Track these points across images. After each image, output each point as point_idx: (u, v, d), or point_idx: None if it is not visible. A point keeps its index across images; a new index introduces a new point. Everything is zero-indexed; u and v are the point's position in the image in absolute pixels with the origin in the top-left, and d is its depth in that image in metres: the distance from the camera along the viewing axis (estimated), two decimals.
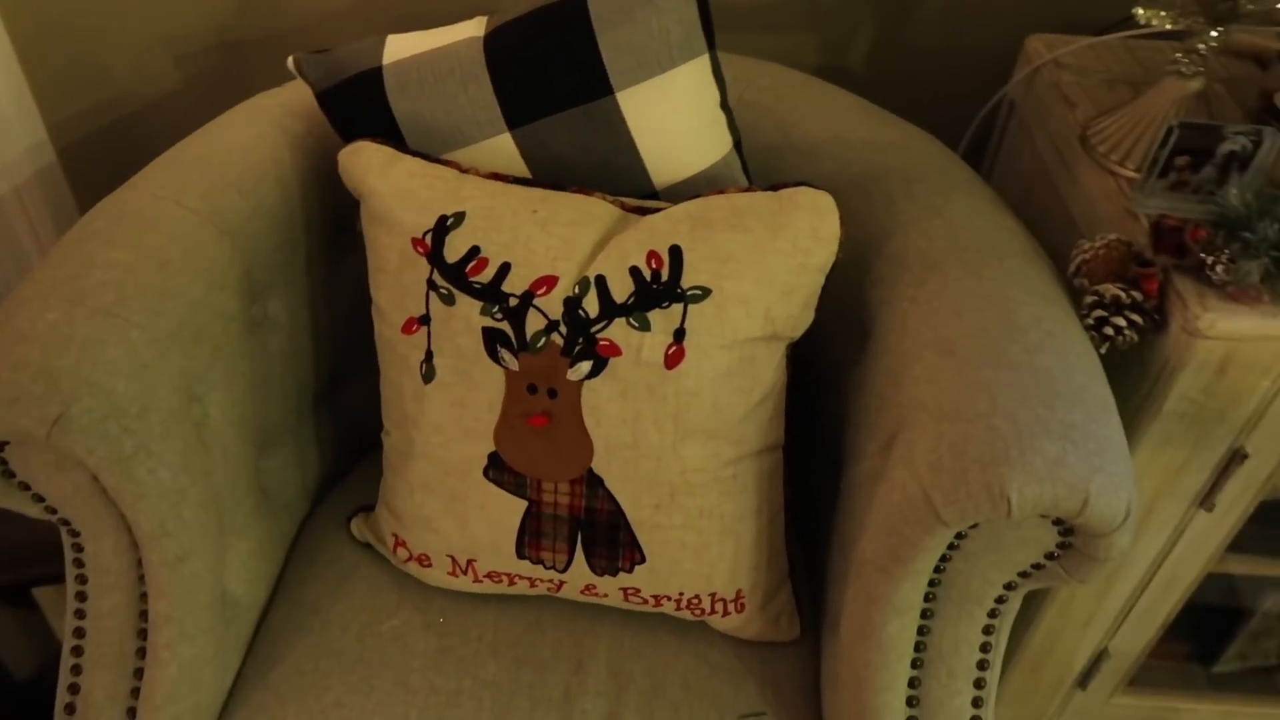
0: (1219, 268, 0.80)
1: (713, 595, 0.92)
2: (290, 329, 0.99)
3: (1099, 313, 0.84)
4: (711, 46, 0.91)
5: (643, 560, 0.89)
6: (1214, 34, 0.86)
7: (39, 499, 0.81)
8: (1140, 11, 0.81)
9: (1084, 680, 1.16)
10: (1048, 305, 0.83)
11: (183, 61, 1.27)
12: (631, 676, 0.92)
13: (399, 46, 0.93)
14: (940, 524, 0.74)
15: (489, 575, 0.94)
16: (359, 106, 0.92)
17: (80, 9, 1.17)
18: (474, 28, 0.92)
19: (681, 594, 0.92)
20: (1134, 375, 0.88)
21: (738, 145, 0.96)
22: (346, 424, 1.12)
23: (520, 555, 0.91)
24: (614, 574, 0.91)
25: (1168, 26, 0.82)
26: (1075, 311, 0.85)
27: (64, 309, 0.78)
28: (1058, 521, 0.75)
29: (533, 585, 0.94)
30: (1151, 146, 0.87)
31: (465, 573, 0.95)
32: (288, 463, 1.03)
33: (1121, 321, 0.83)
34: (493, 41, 0.90)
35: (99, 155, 1.23)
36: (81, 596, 0.86)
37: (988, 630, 0.84)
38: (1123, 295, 0.83)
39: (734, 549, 0.90)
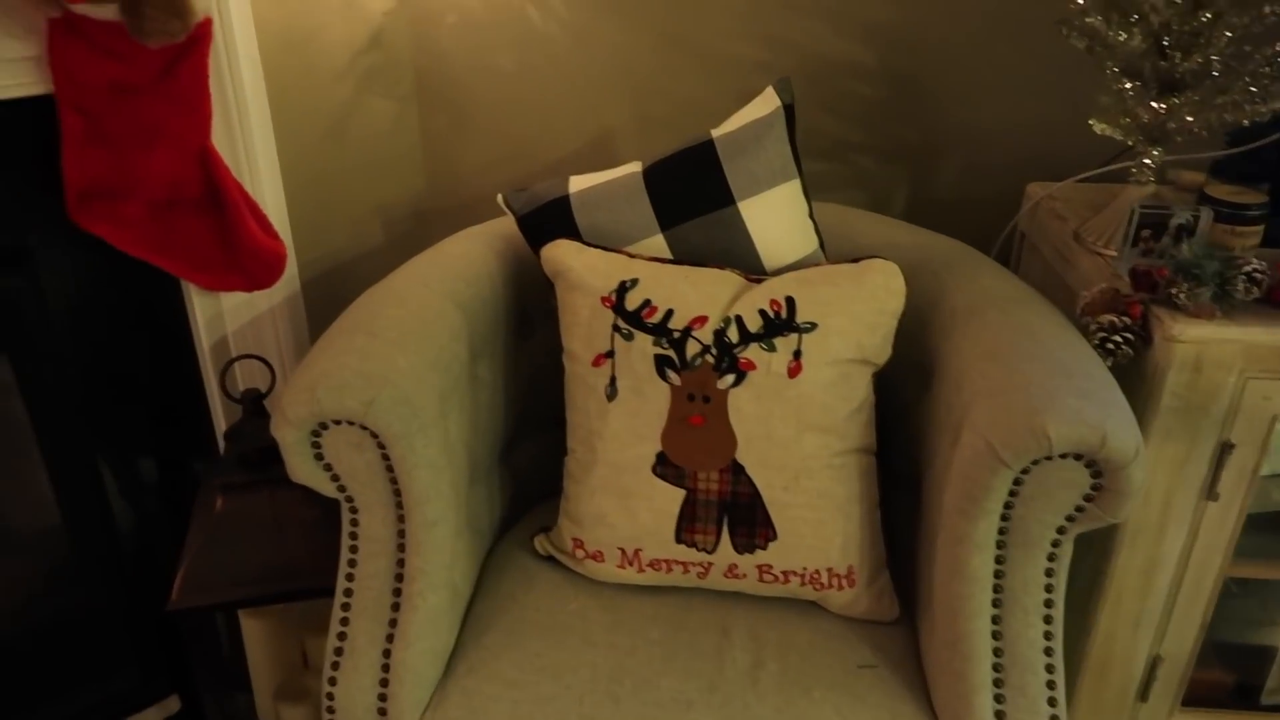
0: (1181, 295, 1.12)
1: (829, 570, 1.17)
2: (492, 389, 1.31)
3: (1101, 334, 1.15)
4: (800, 173, 1.30)
5: (774, 537, 1.16)
6: (1155, 151, 1.24)
7: (335, 478, 1.11)
8: (1093, 122, 1.19)
9: (1144, 691, 1.36)
10: (1062, 329, 1.15)
11: (386, 225, 1.68)
12: (768, 638, 1.16)
13: (579, 182, 1.32)
14: (1002, 465, 1.02)
15: (651, 564, 1.20)
16: (551, 223, 1.29)
17: (319, 182, 1.58)
18: (633, 167, 1.32)
19: (805, 568, 1.17)
20: (1134, 384, 1.18)
21: (822, 245, 1.32)
22: (516, 482, 1.41)
23: (678, 539, 1.18)
24: (751, 551, 1.17)
25: (1117, 137, 1.19)
26: (1084, 338, 1.16)
27: (366, 338, 1.12)
28: (1090, 464, 1.02)
29: (685, 571, 1.20)
30: (1124, 229, 1.22)
31: (632, 563, 1.21)
32: (483, 498, 1.31)
33: (1119, 339, 1.14)
34: (650, 173, 1.29)
35: (325, 287, 1.61)
36: (352, 563, 1.13)
37: (1049, 573, 1.08)
38: (1116, 320, 1.15)
39: (844, 527, 1.16)
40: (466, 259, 1.33)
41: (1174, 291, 1.13)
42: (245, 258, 1.30)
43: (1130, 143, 1.22)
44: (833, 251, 1.38)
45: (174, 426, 1.56)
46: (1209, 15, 1.13)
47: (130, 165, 1.22)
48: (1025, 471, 1.03)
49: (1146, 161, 1.25)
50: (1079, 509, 1.05)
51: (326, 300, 1.61)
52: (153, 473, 1.57)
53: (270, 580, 1.29)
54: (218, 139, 1.33)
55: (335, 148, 1.57)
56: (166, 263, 1.28)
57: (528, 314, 1.40)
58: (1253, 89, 1.14)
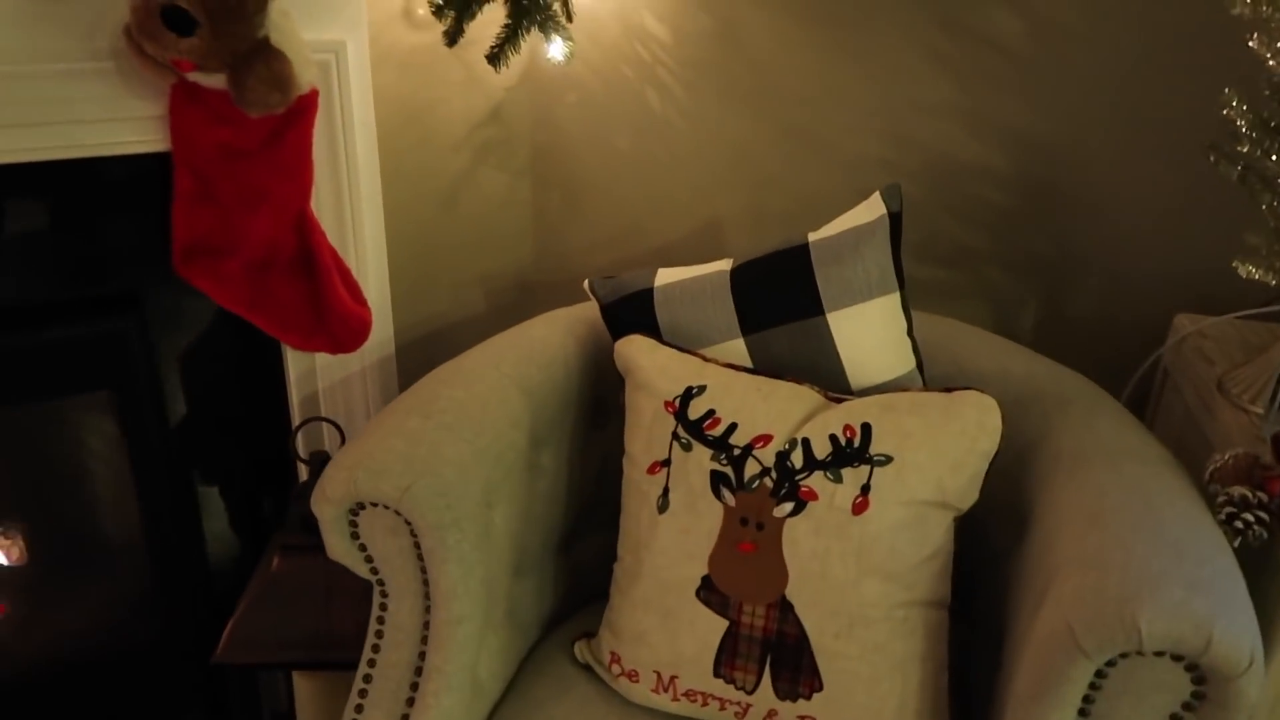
0: None
1: None
2: (553, 478, 1.27)
3: (1230, 509, 0.99)
4: (902, 286, 1.20)
5: (820, 688, 1.05)
6: None
7: (369, 560, 1.08)
8: (1238, 264, 1.03)
9: None
10: (1181, 496, 1.00)
11: (489, 295, 1.68)
12: None
13: (666, 274, 1.27)
14: (1081, 654, 0.88)
15: (686, 694, 1.11)
16: (632, 315, 1.25)
17: (425, 248, 1.60)
18: (723, 265, 1.25)
19: None
20: (1268, 574, 1.00)
21: (920, 367, 1.21)
22: (576, 575, 1.35)
23: (716, 673, 1.09)
24: (794, 699, 1.06)
25: (1270, 281, 1.04)
26: (1209, 510, 1.00)
27: (419, 420, 1.10)
28: (1190, 667, 0.87)
29: (722, 708, 1.10)
30: (1271, 385, 1.06)
31: (666, 690, 1.12)
32: (531, 591, 1.26)
33: (1250, 517, 0.98)
34: (737, 273, 1.22)
35: (421, 352, 1.62)
36: (375, 649, 1.10)
37: None
38: (1250, 495, 0.99)
39: (901, 689, 1.04)
40: (543, 342, 1.29)
41: None
42: (333, 322, 1.32)
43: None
44: (935, 373, 1.27)
45: (265, 469, 1.60)
46: None
47: (233, 225, 1.26)
48: (1111, 664, 0.89)
49: None
50: (1175, 717, 0.90)
51: (421, 364, 1.61)
52: (241, 512, 1.61)
53: (315, 646, 1.29)
54: (326, 204, 1.36)
55: (445, 216, 1.59)
56: (258, 320, 1.32)
57: (604, 403, 1.35)
58: None
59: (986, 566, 1.17)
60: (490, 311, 1.68)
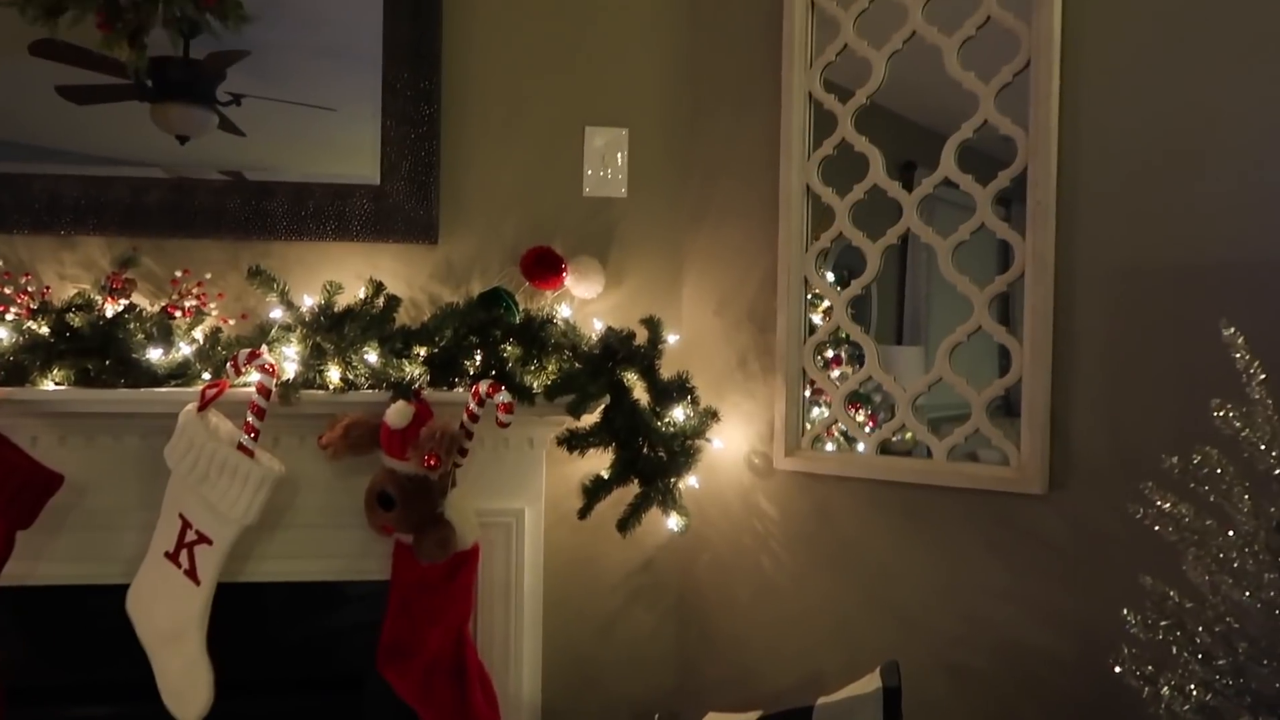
0: None
1: None
2: None
3: None
4: None
5: None
6: None
7: None
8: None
9: None
10: None
11: (634, 717, 1.97)
12: None
13: (711, 717, 1.51)
14: None
15: None
16: None
17: (579, 668, 1.96)
18: (752, 715, 1.48)
19: None
20: None
21: None
22: None
23: None
24: None
25: None
26: None
27: None
28: None
29: None
30: None
31: None
32: None
33: None
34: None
35: None
36: None
37: None
38: None
39: None
40: None
41: None
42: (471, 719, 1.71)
43: None
44: None
45: None
46: None
47: (418, 636, 1.74)
48: None
49: None
50: None
51: None
52: None
53: None
54: (497, 626, 1.82)
55: (599, 642, 1.96)
56: (423, 712, 1.74)
57: None
58: None
59: None
60: None
